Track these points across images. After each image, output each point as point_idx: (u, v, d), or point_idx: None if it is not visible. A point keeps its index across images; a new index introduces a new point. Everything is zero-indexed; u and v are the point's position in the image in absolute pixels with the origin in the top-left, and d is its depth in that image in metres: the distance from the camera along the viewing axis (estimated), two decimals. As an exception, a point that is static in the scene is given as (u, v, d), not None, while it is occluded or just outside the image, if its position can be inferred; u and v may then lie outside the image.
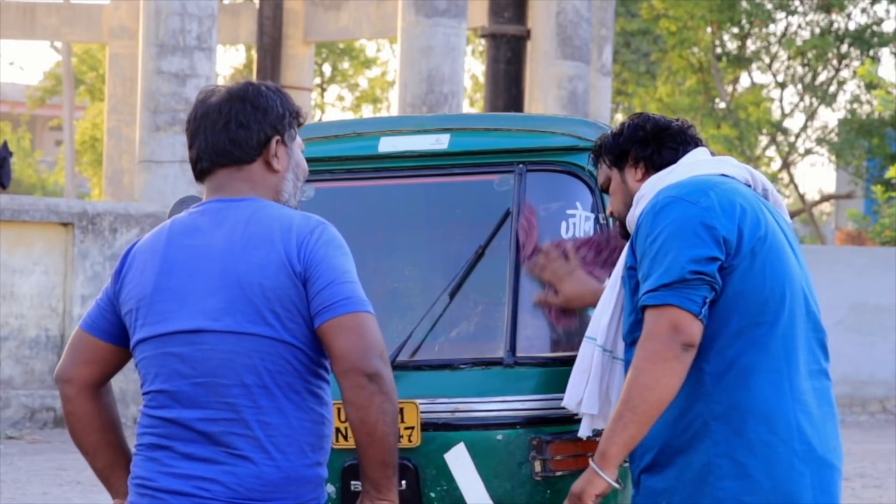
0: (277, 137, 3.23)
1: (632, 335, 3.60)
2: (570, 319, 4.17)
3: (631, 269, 3.61)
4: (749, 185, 3.70)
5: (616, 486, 3.48)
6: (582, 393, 3.79)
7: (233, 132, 3.20)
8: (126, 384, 12.82)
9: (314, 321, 3.08)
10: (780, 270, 3.54)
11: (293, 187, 3.27)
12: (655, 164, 3.77)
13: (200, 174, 3.26)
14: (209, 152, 3.22)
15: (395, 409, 3.07)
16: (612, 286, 3.75)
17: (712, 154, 3.81)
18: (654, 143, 3.79)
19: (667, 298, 3.44)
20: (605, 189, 3.91)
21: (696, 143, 3.81)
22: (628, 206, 3.78)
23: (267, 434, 3.08)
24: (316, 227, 3.13)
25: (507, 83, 17.70)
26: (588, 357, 3.78)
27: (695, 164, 3.72)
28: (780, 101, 28.61)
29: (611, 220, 4.20)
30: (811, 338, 3.60)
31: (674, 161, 3.75)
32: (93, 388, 3.26)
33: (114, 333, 3.26)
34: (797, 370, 3.53)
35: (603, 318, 3.75)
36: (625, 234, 3.84)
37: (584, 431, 3.87)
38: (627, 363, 3.60)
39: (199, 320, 3.10)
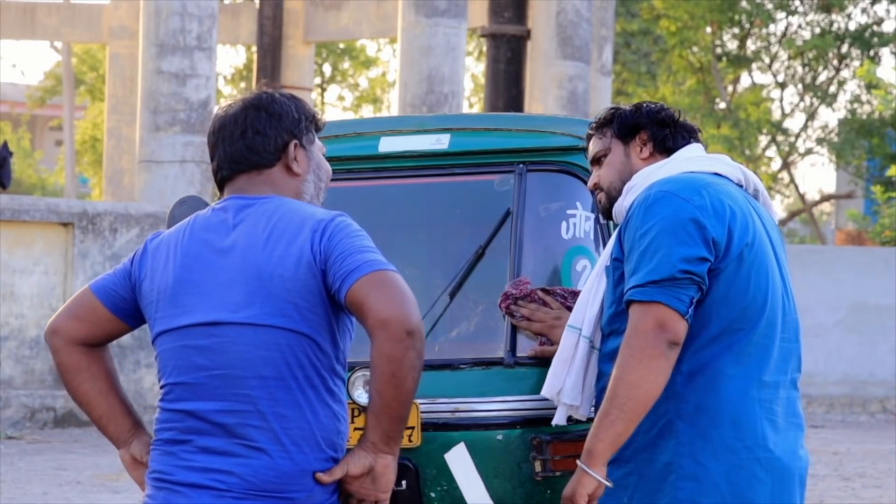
0: (295, 142, 3.27)
1: (610, 326, 3.61)
2: None
3: (616, 261, 3.60)
4: (741, 185, 3.71)
5: (607, 483, 3.48)
6: (562, 382, 3.77)
7: (249, 139, 3.24)
8: (126, 384, 12.83)
9: (340, 291, 3.06)
10: (764, 278, 3.54)
11: (314, 189, 3.31)
12: (664, 148, 3.76)
13: (221, 182, 3.30)
14: (228, 161, 3.26)
15: (422, 366, 3.07)
16: (598, 275, 3.74)
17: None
18: (671, 126, 3.79)
19: (655, 295, 3.44)
20: (596, 160, 3.85)
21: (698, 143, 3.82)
22: (623, 181, 3.75)
23: (283, 426, 3.10)
24: (334, 217, 3.16)
25: (507, 83, 17.70)
26: (571, 347, 3.76)
27: (689, 160, 3.72)
28: (780, 101, 28.63)
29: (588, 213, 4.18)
30: (785, 347, 3.60)
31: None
32: (80, 342, 3.28)
33: (117, 305, 3.28)
34: (768, 378, 3.54)
35: (591, 310, 3.73)
36: (606, 213, 3.83)
37: (559, 420, 3.85)
38: (607, 355, 3.61)
39: (217, 313, 3.13)
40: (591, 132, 3.89)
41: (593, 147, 3.86)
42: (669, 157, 3.75)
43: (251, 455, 3.09)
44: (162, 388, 3.20)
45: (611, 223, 4.18)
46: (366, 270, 3.06)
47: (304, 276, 3.10)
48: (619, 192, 3.76)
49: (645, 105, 3.83)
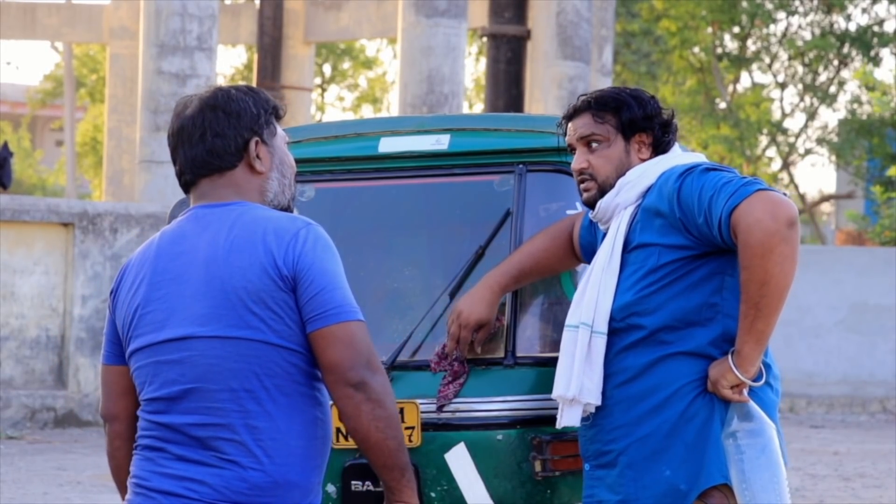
0: (256, 139, 3.22)
1: (630, 309, 3.63)
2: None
3: (642, 246, 3.61)
4: None
5: (750, 382, 3.56)
6: (581, 382, 3.69)
7: (209, 143, 3.20)
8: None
9: (306, 327, 3.11)
10: None
11: (279, 186, 3.26)
12: (660, 152, 3.77)
13: (186, 186, 3.28)
14: (190, 165, 3.23)
15: (390, 413, 3.09)
16: (604, 270, 3.69)
17: None
18: (673, 131, 3.79)
19: (753, 186, 3.48)
20: (583, 140, 3.78)
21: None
22: (619, 178, 3.73)
23: (254, 438, 3.10)
24: (301, 229, 3.13)
25: (507, 83, 17.69)
26: (584, 345, 3.69)
27: (680, 157, 3.78)
28: (781, 101, 28.63)
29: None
30: None
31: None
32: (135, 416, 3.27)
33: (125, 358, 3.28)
34: None
35: (604, 305, 3.68)
36: (592, 203, 3.78)
37: (573, 421, 3.75)
38: (629, 346, 3.63)
39: (186, 327, 3.12)
40: (583, 110, 3.80)
41: (586, 127, 3.79)
42: (658, 157, 3.77)
43: (224, 466, 3.09)
44: (142, 402, 3.21)
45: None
46: (329, 321, 3.09)
47: (270, 287, 3.09)
48: (612, 187, 3.75)
49: (650, 103, 3.78)
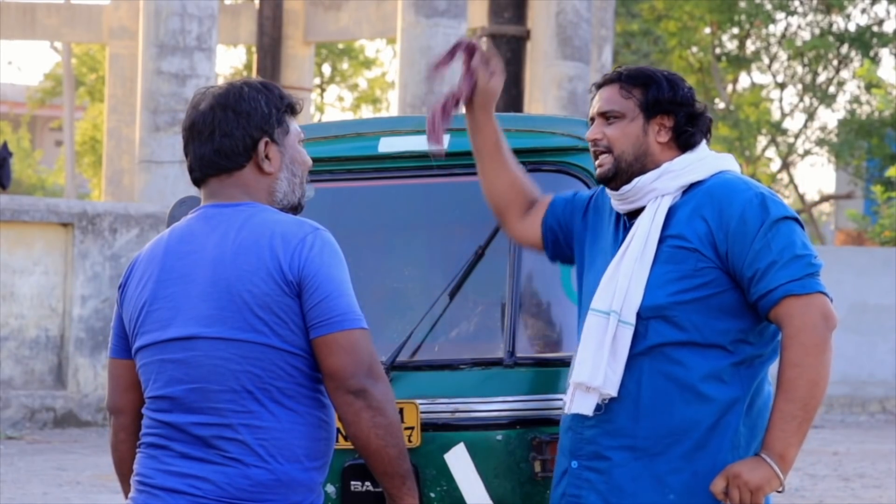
0: (266, 139, 3.22)
1: (667, 311, 3.51)
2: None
3: (688, 249, 3.51)
4: None
5: (782, 489, 3.47)
6: (603, 372, 3.53)
7: (217, 143, 3.20)
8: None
9: (310, 332, 3.12)
10: None
11: (288, 185, 3.26)
12: (684, 144, 3.64)
13: (195, 182, 3.29)
14: (198, 163, 3.24)
15: (390, 421, 3.11)
16: (636, 259, 3.56)
17: None
18: (700, 123, 3.66)
19: (816, 286, 3.46)
20: (602, 114, 3.65)
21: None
22: (636, 156, 3.60)
23: (257, 438, 3.11)
24: (308, 234, 3.14)
25: (506, 83, 17.64)
26: (611, 333, 3.54)
27: (718, 158, 3.67)
28: (780, 101, 28.65)
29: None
30: None
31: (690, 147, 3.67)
32: (140, 411, 3.29)
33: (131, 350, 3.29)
34: None
35: (635, 295, 3.53)
36: (607, 177, 3.64)
37: (587, 409, 3.57)
38: (663, 345, 3.51)
39: (192, 327, 3.14)
40: (612, 81, 3.68)
41: (611, 102, 3.66)
42: (686, 150, 3.64)
43: (227, 464, 3.11)
44: (147, 399, 3.22)
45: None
46: (333, 328, 3.10)
47: (275, 291, 3.10)
48: (628, 164, 3.61)
49: (683, 87, 3.65)
